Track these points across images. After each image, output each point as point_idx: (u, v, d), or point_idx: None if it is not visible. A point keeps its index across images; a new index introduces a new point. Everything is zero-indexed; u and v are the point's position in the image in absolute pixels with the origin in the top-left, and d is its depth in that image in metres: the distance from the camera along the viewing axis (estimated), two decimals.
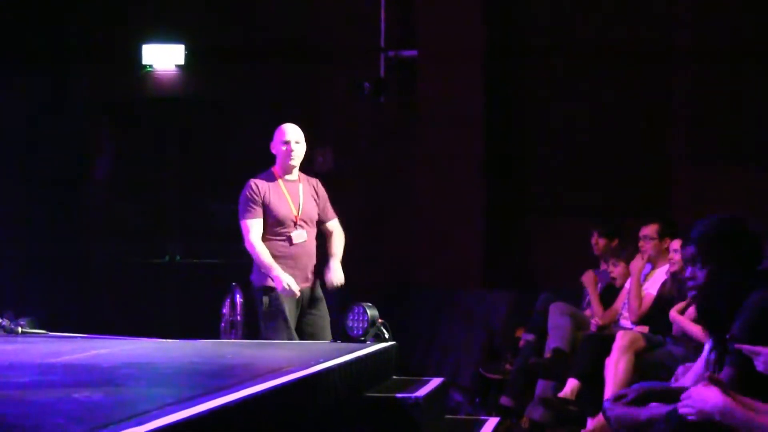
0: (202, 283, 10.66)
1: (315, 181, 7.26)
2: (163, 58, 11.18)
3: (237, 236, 7.14)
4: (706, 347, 4.62)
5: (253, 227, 6.99)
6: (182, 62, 11.18)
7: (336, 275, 7.09)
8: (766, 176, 10.15)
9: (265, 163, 7.26)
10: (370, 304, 6.68)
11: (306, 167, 7.35)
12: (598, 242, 8.69)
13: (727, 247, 4.07)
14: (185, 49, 11.15)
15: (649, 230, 7.81)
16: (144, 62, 11.21)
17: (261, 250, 6.96)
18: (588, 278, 8.46)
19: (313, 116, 7.68)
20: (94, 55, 11.12)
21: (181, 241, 11.30)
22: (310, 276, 7.09)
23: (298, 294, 6.89)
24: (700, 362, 4.70)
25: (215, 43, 11.05)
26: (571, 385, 7.21)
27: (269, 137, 7.19)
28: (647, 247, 7.79)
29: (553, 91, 10.82)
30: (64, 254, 10.76)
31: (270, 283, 6.93)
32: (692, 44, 10.60)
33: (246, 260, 7.15)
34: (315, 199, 7.17)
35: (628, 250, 8.15)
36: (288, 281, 6.85)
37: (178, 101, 11.34)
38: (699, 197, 9.79)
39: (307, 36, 11.05)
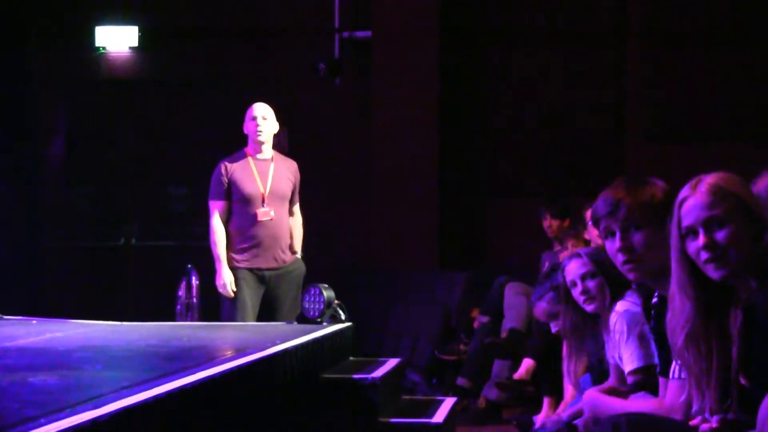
0: (157, 265, 10.63)
1: (292, 164, 7.33)
2: (117, 39, 11.11)
3: (192, 219, 7.19)
4: None
5: (216, 210, 7.08)
6: (136, 44, 11.11)
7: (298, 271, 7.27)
8: (718, 153, 10.24)
9: (220, 144, 7.29)
10: (326, 285, 6.68)
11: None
12: (552, 224, 8.73)
13: None
14: (139, 31, 11.08)
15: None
16: (97, 44, 11.13)
17: (216, 238, 7.06)
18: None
19: (268, 97, 7.68)
20: (48, 38, 11.03)
21: (136, 223, 11.24)
22: (278, 257, 7.13)
23: (232, 295, 6.95)
24: None
25: (169, 24, 11.00)
26: (527, 365, 7.24)
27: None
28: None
29: (508, 72, 10.86)
30: (18, 237, 10.68)
31: (233, 263, 7.01)
32: (644, 25, 10.68)
33: (200, 243, 7.16)
34: (289, 180, 7.22)
35: (579, 230, 8.19)
36: (226, 281, 6.96)
37: (131, 83, 11.27)
38: (652, 176, 9.87)
39: (262, 17, 11.01)
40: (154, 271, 10.63)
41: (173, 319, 8.42)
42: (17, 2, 10.91)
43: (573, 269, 5.00)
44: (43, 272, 10.90)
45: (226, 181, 7.09)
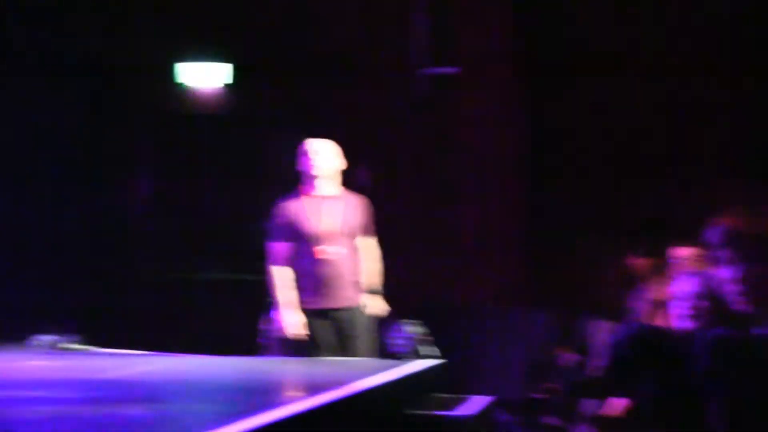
0: (241, 299, 10.68)
1: (358, 198, 7.14)
2: (205, 76, 11.25)
3: None
4: None
5: (273, 251, 6.96)
6: (225, 80, 11.23)
7: (372, 308, 7.02)
8: None
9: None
10: (413, 321, 6.65)
11: (348, 185, 7.31)
12: (637, 262, 8.64)
13: None
14: (227, 68, 11.21)
15: (687, 252, 7.64)
16: (186, 80, 11.27)
17: (274, 281, 6.91)
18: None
19: (353, 133, 7.70)
20: (136, 72, 11.20)
21: (221, 257, 11.32)
22: (343, 295, 6.94)
23: (300, 337, 6.82)
24: None
25: (257, 61, 11.10)
26: (616, 403, 7.15)
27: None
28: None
29: (598, 106, 10.77)
30: (107, 270, 10.81)
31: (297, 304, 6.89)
32: (733, 56, 10.55)
33: None
34: (352, 216, 7.02)
35: (664, 268, 8.09)
36: (288, 323, 6.81)
37: (219, 119, 11.39)
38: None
39: (348, 52, 11.06)
40: (238, 305, 10.68)
41: (259, 354, 8.44)
42: (110, 34, 11.06)
43: (688, 286, 5.01)
44: (131, 305, 11.01)
45: (283, 221, 6.95)
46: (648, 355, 3.78)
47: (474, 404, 5.67)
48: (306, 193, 7.02)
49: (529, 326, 9.58)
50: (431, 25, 10.89)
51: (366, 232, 7.07)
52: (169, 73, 11.24)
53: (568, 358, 8.24)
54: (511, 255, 10.46)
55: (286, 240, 6.95)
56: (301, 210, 6.96)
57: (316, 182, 7.01)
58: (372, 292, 7.11)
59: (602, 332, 8.02)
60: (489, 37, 10.69)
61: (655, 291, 8.21)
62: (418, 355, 6.47)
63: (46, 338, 8.01)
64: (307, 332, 6.88)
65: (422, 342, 6.54)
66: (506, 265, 10.42)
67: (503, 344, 9.55)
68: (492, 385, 9.20)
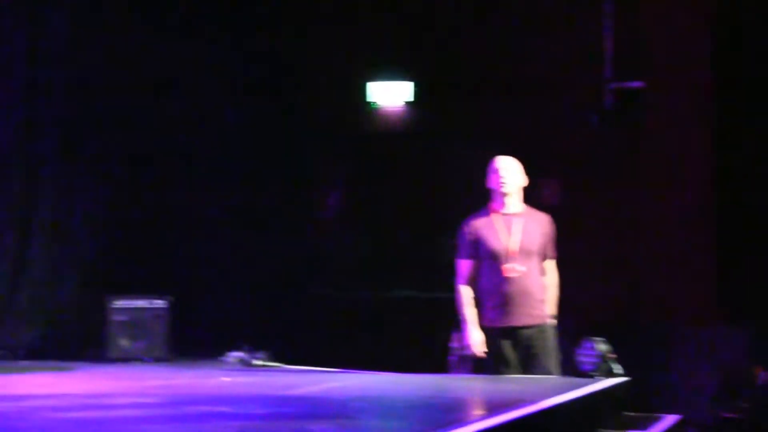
0: (432, 316, 10.71)
1: (543, 217, 7.09)
2: (391, 94, 11.38)
3: None
4: None
5: (461, 269, 6.95)
6: (409, 98, 11.33)
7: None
8: None
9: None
10: (600, 339, 6.56)
11: (532, 201, 7.26)
12: None
13: None
14: (412, 86, 11.31)
15: None
16: (372, 99, 11.41)
17: (461, 298, 6.89)
18: None
19: (540, 149, 7.64)
20: (326, 90, 11.39)
21: (410, 274, 11.38)
22: (531, 313, 6.89)
23: (483, 355, 6.80)
24: None
25: (442, 79, 11.16)
26: None
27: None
28: None
29: None
30: (296, 288, 11.00)
31: (485, 322, 6.86)
32: None
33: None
34: (538, 233, 6.97)
35: None
36: (474, 341, 6.79)
37: (405, 136, 11.48)
38: None
39: (533, 69, 11.01)
40: (429, 322, 10.71)
41: (447, 371, 8.45)
42: (295, 54, 11.27)
43: None
44: (320, 322, 11.16)
45: (471, 239, 6.94)
46: None
47: (663, 423, 5.56)
48: (494, 211, 7.02)
49: (721, 343, 9.34)
50: (618, 40, 10.76)
51: (548, 253, 7.02)
52: (359, 91, 11.40)
53: (764, 376, 7.99)
54: (703, 268, 10.22)
55: (474, 257, 6.96)
56: (490, 227, 6.95)
57: (505, 199, 7.00)
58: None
59: None
60: (676, 51, 10.51)
61: None
62: (608, 373, 6.38)
63: (239, 355, 8.22)
64: (491, 350, 6.85)
65: (609, 359, 6.44)
66: (698, 280, 10.19)
67: (693, 362, 9.35)
68: (685, 402, 9.02)
